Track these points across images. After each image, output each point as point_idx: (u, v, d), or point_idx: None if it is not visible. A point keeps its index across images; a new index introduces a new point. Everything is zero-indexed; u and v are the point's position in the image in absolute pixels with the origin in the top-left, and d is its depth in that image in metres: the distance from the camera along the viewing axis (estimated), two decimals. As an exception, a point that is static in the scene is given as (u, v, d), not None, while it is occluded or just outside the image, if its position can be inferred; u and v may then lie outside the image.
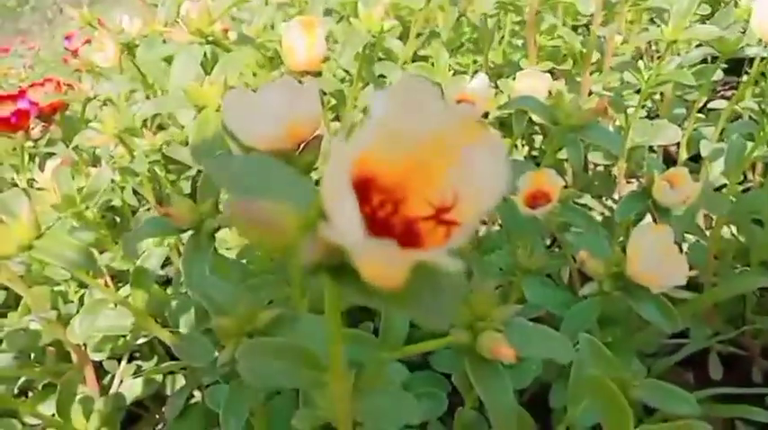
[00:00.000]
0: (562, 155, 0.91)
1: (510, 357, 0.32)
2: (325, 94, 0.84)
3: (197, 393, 0.80)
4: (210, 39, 0.65)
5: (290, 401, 0.55)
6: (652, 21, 1.08)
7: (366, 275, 0.18)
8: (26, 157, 0.80)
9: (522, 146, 0.98)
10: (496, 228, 0.83)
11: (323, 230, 0.16)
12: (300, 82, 0.66)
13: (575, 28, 1.17)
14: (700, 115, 1.01)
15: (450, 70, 1.05)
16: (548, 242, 0.86)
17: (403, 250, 0.16)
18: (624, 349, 0.63)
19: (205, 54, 0.73)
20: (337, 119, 1.02)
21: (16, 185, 0.90)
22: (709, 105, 0.97)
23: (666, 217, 0.64)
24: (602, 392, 0.33)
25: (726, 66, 0.92)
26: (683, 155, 0.84)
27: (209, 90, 0.49)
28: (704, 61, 0.87)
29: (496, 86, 0.83)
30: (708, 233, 0.75)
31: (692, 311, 0.64)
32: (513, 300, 0.65)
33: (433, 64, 0.93)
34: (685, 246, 0.81)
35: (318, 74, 0.66)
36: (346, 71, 1.01)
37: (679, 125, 0.88)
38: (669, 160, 0.99)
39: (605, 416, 0.34)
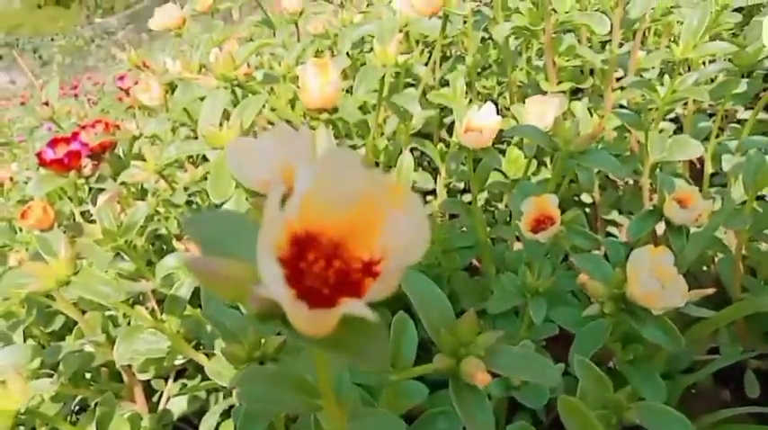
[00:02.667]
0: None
1: (484, 382, 0.35)
2: (347, 123, 0.89)
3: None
4: (235, 83, 0.70)
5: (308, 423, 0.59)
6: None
7: (296, 326, 0.21)
8: (78, 194, 0.87)
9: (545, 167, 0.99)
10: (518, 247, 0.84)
11: (257, 288, 0.20)
12: (317, 118, 0.70)
13: (603, 45, 1.17)
14: (737, 125, 0.99)
15: (474, 93, 1.08)
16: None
17: (317, 309, 0.19)
18: (646, 367, 0.63)
19: (235, 94, 0.79)
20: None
21: (74, 217, 0.98)
22: (741, 116, 0.96)
23: (679, 236, 0.64)
24: (576, 417, 0.35)
25: None
26: (708, 169, 0.83)
27: (225, 134, 0.54)
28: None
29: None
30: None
31: (712, 328, 0.64)
32: (527, 319, 0.67)
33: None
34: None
35: (335, 110, 0.70)
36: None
37: (705, 139, 0.87)
38: (700, 175, 0.97)
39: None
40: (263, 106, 1.11)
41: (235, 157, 0.41)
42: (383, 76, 0.78)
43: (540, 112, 0.67)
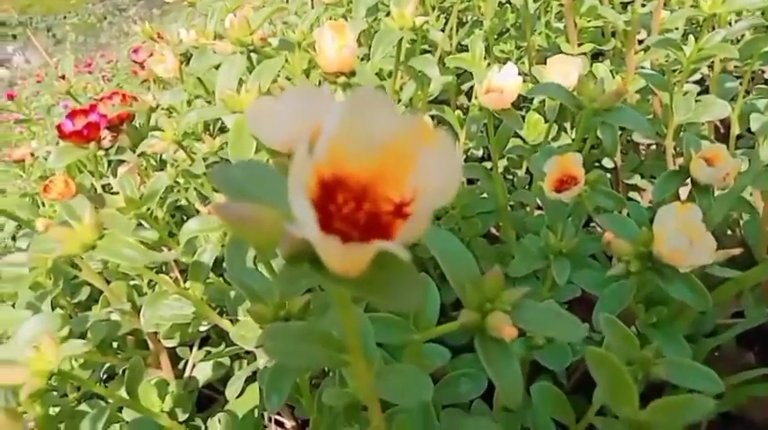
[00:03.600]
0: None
1: (512, 335, 0.34)
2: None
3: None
4: (251, 48, 0.69)
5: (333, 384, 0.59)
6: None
7: (329, 264, 0.21)
8: (99, 165, 0.88)
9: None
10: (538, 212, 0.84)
11: (290, 227, 0.19)
12: (335, 82, 0.70)
13: (624, 5, 1.14)
14: (765, 87, 0.97)
15: (492, 58, 1.06)
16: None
17: (350, 243, 0.19)
18: (669, 330, 0.63)
19: (251, 60, 0.78)
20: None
21: (95, 190, 0.99)
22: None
23: (706, 195, 0.63)
24: (606, 368, 0.35)
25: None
26: (735, 130, 0.81)
27: (244, 97, 0.53)
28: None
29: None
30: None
31: (737, 289, 0.63)
32: (549, 282, 0.67)
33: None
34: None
35: (352, 73, 0.69)
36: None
37: (732, 99, 0.85)
38: (725, 139, 0.95)
39: (610, 391, 0.35)
40: (279, 74, 1.11)
41: (256, 118, 0.41)
42: (400, 41, 0.77)
43: (563, 72, 0.66)
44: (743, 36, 0.85)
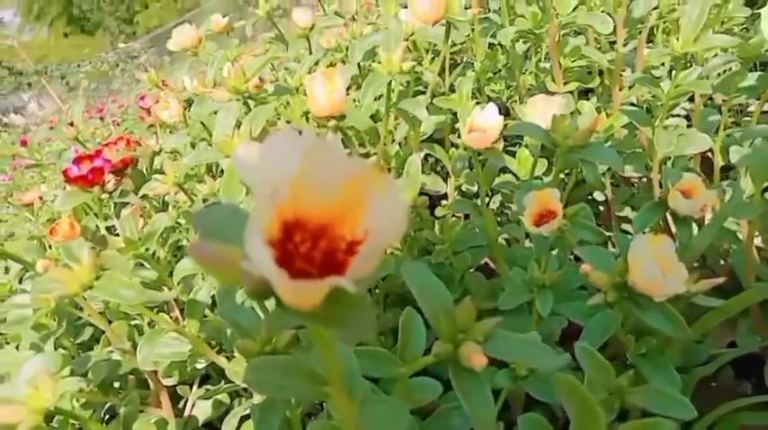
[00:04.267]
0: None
1: (481, 364, 0.36)
2: (358, 131, 0.91)
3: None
4: (246, 95, 0.73)
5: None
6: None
7: (283, 299, 0.23)
8: (103, 210, 0.91)
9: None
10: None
11: (245, 264, 0.22)
12: (325, 126, 0.73)
13: (612, 44, 1.18)
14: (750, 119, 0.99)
15: (484, 97, 1.09)
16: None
17: (299, 279, 0.21)
18: (659, 360, 0.64)
19: (248, 106, 0.82)
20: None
21: (99, 232, 1.03)
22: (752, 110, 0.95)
23: (685, 226, 0.64)
24: (575, 396, 0.36)
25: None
26: (719, 162, 0.83)
27: (236, 141, 0.56)
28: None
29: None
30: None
31: (723, 318, 0.64)
32: (536, 314, 0.68)
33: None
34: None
35: (342, 117, 0.72)
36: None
37: (716, 132, 0.87)
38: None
39: (578, 418, 0.36)
40: (279, 118, 1.15)
41: (241, 161, 0.43)
42: (389, 84, 0.80)
43: (543, 111, 0.69)
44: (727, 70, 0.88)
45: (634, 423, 0.35)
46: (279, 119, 1.14)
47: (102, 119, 3.80)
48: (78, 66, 11.83)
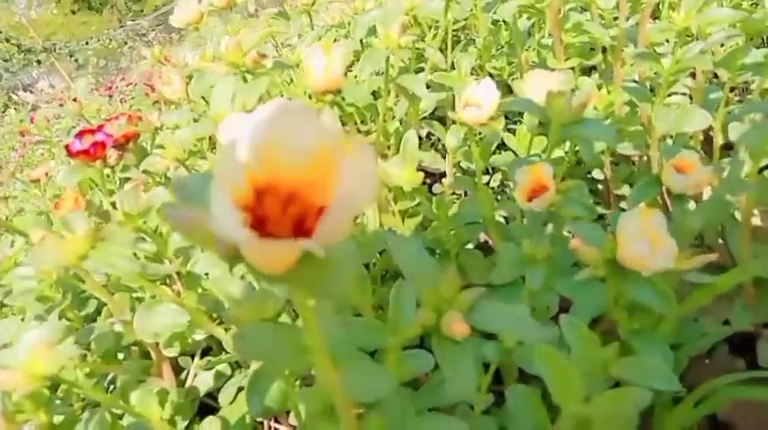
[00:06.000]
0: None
1: (462, 331, 0.37)
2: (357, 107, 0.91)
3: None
4: (244, 69, 0.73)
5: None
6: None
7: (252, 262, 0.23)
8: (107, 183, 0.92)
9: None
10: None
11: (212, 226, 0.22)
12: (322, 100, 0.73)
13: (616, 19, 1.16)
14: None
15: (485, 74, 1.09)
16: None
17: (266, 240, 0.22)
18: (651, 335, 0.64)
19: (246, 81, 0.82)
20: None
21: (103, 208, 1.04)
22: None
23: (681, 203, 0.64)
24: (553, 364, 0.37)
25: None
26: (718, 140, 0.83)
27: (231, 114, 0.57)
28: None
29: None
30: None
31: (713, 295, 0.64)
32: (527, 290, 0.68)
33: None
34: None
35: (338, 92, 0.72)
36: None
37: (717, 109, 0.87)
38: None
39: (557, 386, 0.37)
40: (282, 94, 1.15)
41: (228, 134, 0.44)
42: (387, 59, 0.80)
43: (541, 87, 0.68)
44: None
45: (608, 391, 0.36)
46: (281, 95, 1.14)
47: (110, 96, 3.82)
48: (86, 43, 11.81)
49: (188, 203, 0.27)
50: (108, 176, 1.04)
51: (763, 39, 1.10)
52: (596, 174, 1.01)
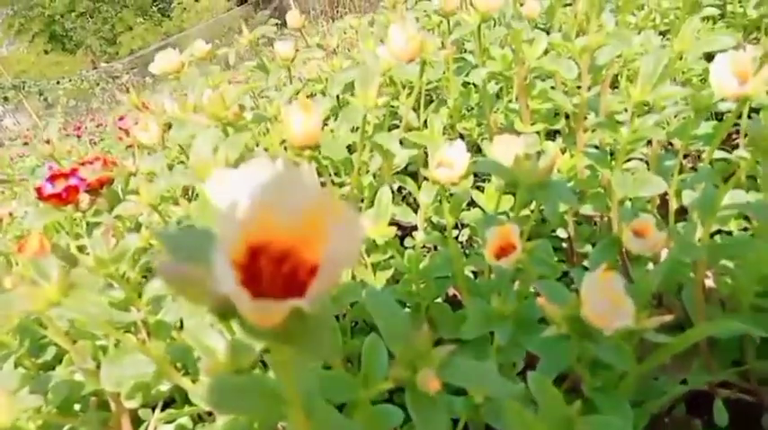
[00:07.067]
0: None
1: (434, 387, 0.38)
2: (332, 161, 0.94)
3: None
4: (225, 122, 0.75)
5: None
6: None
7: (246, 318, 0.25)
8: (76, 229, 0.92)
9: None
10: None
11: (211, 283, 0.23)
12: (301, 155, 0.75)
13: (579, 87, 1.24)
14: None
15: (455, 134, 1.13)
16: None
17: (260, 299, 0.23)
18: (613, 394, 0.66)
19: (227, 133, 0.84)
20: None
21: (70, 252, 1.02)
22: (715, 156, 1.01)
23: (638, 264, 0.68)
24: (518, 421, 0.38)
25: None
26: (673, 205, 0.88)
27: (212, 167, 0.58)
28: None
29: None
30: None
31: (670, 354, 0.67)
32: (495, 346, 0.70)
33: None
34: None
35: (316, 146, 0.74)
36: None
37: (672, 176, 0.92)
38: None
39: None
40: (258, 145, 1.17)
41: (215, 188, 0.45)
42: (365, 117, 0.84)
43: (508, 150, 0.72)
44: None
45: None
46: (257, 146, 1.16)
47: (78, 137, 3.78)
48: (58, 83, 11.74)
49: (179, 258, 0.28)
50: (75, 220, 1.03)
51: (711, 112, 1.18)
52: (560, 232, 1.06)
